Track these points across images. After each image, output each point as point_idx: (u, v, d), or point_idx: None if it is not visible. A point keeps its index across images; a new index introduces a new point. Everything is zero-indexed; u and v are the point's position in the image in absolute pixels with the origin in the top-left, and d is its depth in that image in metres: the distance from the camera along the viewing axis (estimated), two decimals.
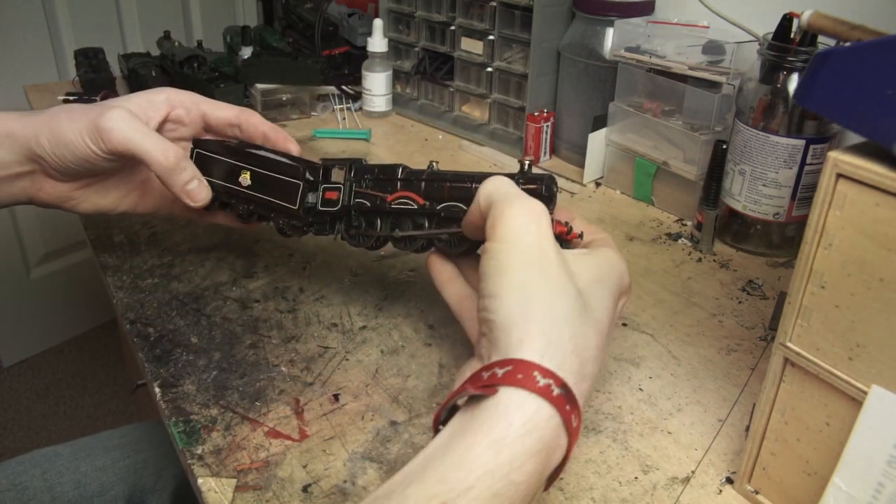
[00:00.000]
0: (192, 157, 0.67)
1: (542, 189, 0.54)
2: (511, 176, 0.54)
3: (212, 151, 0.67)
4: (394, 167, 0.60)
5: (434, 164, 0.59)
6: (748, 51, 0.82)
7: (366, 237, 0.62)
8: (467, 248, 0.57)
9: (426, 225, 0.59)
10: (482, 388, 0.37)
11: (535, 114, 1.01)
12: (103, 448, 0.79)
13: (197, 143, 0.68)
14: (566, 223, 0.56)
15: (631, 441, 0.55)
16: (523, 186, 0.53)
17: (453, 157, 1.06)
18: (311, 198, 0.62)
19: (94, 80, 1.15)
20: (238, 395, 0.58)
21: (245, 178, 0.64)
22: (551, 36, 0.99)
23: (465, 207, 0.56)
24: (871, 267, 0.38)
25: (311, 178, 0.63)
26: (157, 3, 1.93)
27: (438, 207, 0.57)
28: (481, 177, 0.55)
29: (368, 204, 0.60)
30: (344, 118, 1.20)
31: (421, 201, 0.58)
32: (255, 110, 1.17)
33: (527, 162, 0.55)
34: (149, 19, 1.92)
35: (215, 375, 0.60)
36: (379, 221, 0.61)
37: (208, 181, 0.66)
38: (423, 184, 0.58)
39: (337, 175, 0.62)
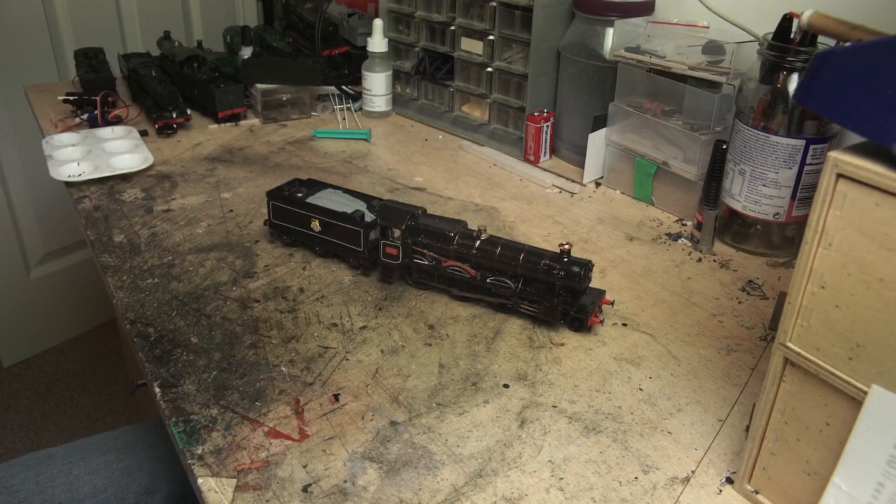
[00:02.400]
0: (267, 208, 0.78)
1: (583, 272, 0.64)
2: (552, 258, 0.65)
3: (285, 203, 0.77)
4: (448, 227, 0.68)
5: (483, 230, 0.68)
6: (748, 51, 0.82)
7: (427, 285, 0.73)
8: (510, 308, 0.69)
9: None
10: None
11: (535, 114, 1.01)
12: (98, 450, 0.79)
13: (270, 194, 0.78)
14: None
15: (631, 441, 0.55)
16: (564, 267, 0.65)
17: (453, 157, 1.06)
18: (373, 234, 0.72)
19: (94, 80, 1.15)
20: (238, 395, 0.58)
21: (315, 225, 0.75)
22: (551, 36, 0.99)
23: (511, 285, 0.67)
24: (871, 267, 0.38)
25: (370, 221, 0.72)
26: (157, 3, 1.93)
27: (488, 280, 0.68)
28: (531, 251, 0.66)
29: (426, 263, 0.70)
30: (344, 118, 1.20)
31: (472, 273, 0.68)
32: (255, 110, 1.18)
33: (567, 248, 0.65)
34: (149, 19, 1.92)
35: (215, 375, 0.60)
36: (436, 275, 0.71)
37: (285, 226, 0.77)
38: (473, 258, 0.68)
39: (395, 232, 0.71)
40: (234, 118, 1.15)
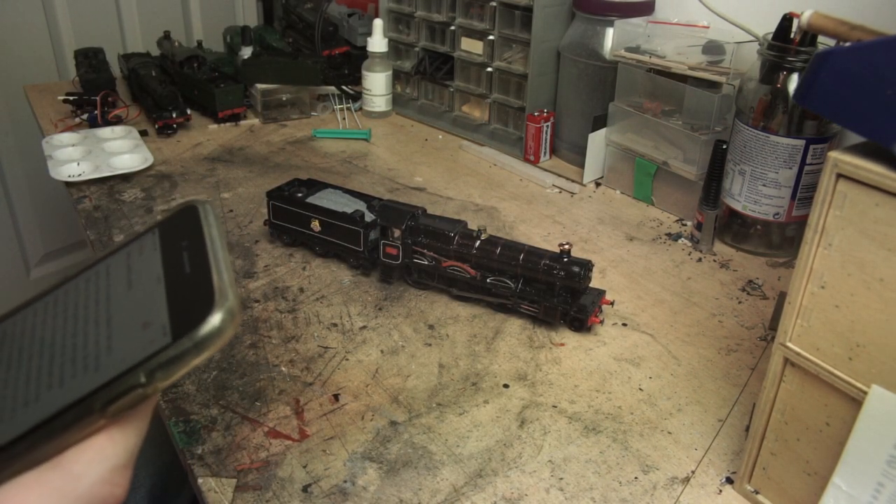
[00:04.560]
0: (267, 208, 0.78)
1: (583, 272, 0.64)
2: (552, 258, 0.65)
3: (285, 203, 0.77)
4: (448, 227, 0.69)
5: (483, 230, 0.68)
6: (748, 51, 0.82)
7: (427, 285, 0.73)
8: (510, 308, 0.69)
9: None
10: None
11: (535, 114, 1.01)
12: None
13: (270, 194, 0.78)
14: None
15: (631, 441, 0.55)
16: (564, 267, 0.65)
17: (453, 157, 1.06)
18: (373, 234, 0.72)
19: (94, 80, 1.15)
20: (238, 395, 0.58)
21: (315, 225, 0.75)
22: (551, 36, 0.99)
23: (511, 285, 0.67)
24: (871, 267, 0.38)
25: (370, 221, 0.72)
26: (157, 3, 1.93)
27: (488, 280, 0.68)
28: (531, 251, 0.66)
29: (426, 262, 0.70)
30: (344, 118, 1.20)
31: (472, 272, 0.68)
32: (255, 110, 1.18)
33: (567, 248, 0.66)
34: (149, 19, 1.92)
35: (215, 375, 0.60)
36: (436, 275, 0.71)
37: (285, 226, 0.77)
38: (473, 258, 0.68)
39: (395, 232, 0.71)
40: (234, 118, 1.15)
